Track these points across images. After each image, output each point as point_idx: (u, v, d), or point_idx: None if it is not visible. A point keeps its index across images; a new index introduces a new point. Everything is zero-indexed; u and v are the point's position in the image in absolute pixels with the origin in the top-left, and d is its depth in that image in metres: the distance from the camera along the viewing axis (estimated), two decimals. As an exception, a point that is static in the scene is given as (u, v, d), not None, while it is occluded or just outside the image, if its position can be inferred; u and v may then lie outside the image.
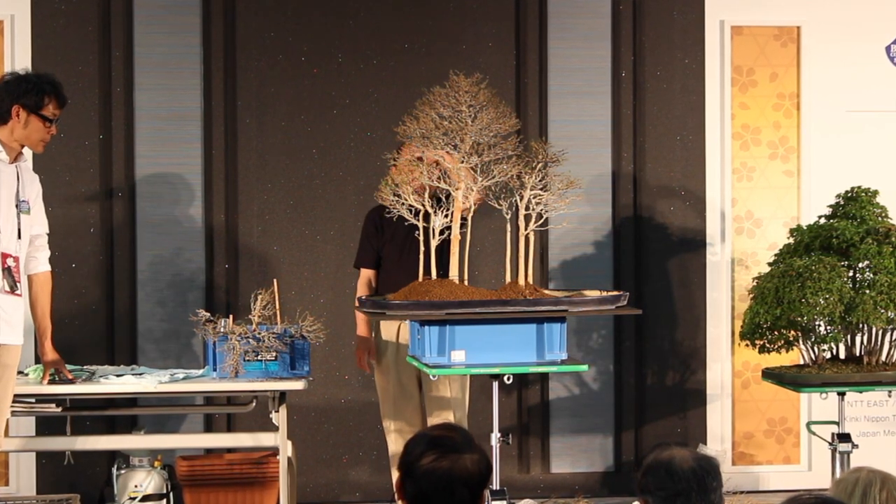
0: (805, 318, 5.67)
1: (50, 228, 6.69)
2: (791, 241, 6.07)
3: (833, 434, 5.83)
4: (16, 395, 5.30)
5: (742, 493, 6.86)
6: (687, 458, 2.95)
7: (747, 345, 5.97)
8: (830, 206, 6.05)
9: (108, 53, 6.74)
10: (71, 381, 5.47)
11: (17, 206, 5.17)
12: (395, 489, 3.13)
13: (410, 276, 5.46)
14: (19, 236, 5.17)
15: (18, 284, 5.13)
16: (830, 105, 7.15)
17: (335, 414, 6.91)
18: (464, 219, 5.43)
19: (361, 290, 6.11)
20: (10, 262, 5.08)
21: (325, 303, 6.82)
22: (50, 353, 5.42)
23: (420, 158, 5.45)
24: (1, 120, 5.16)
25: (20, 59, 6.60)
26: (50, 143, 6.62)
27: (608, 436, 7.07)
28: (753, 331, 5.85)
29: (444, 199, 5.50)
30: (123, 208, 6.75)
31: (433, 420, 6.00)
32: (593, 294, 5.43)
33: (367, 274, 6.17)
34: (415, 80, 6.64)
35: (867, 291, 5.70)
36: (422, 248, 5.38)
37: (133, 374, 5.96)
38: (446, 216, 5.31)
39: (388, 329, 6.04)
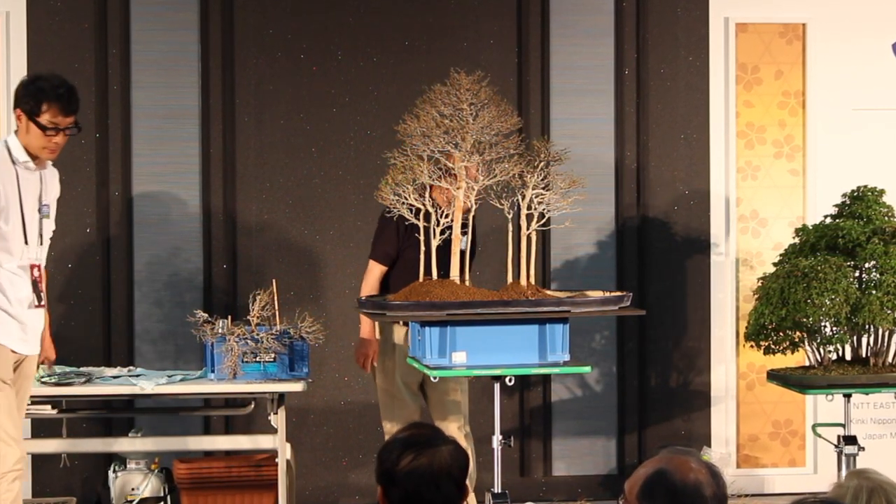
0: (810, 318, 5.64)
1: (46, 228, 6.65)
2: (796, 240, 6.05)
3: (839, 436, 5.81)
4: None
5: (747, 496, 6.83)
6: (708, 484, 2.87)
7: (752, 346, 5.94)
8: (836, 205, 6.02)
9: (104, 51, 6.68)
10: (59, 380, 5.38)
11: (39, 210, 5.06)
12: (378, 501, 3.13)
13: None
14: (41, 242, 5.07)
15: (43, 295, 5.04)
16: (836, 103, 7.10)
17: (334, 416, 6.85)
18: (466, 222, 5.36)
19: (372, 285, 5.95)
20: (35, 272, 4.99)
21: (324, 303, 6.76)
22: (49, 350, 5.32)
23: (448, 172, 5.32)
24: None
25: (16, 56, 6.56)
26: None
27: (611, 438, 7.02)
28: (758, 332, 5.82)
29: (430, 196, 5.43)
30: (120, 207, 6.70)
31: (436, 424, 5.93)
32: (596, 295, 5.38)
33: (381, 269, 5.99)
34: (415, 77, 6.59)
35: (873, 292, 5.67)
36: (422, 248, 5.33)
37: (130, 376, 5.92)
38: (446, 216, 5.25)
39: (399, 332, 5.92)
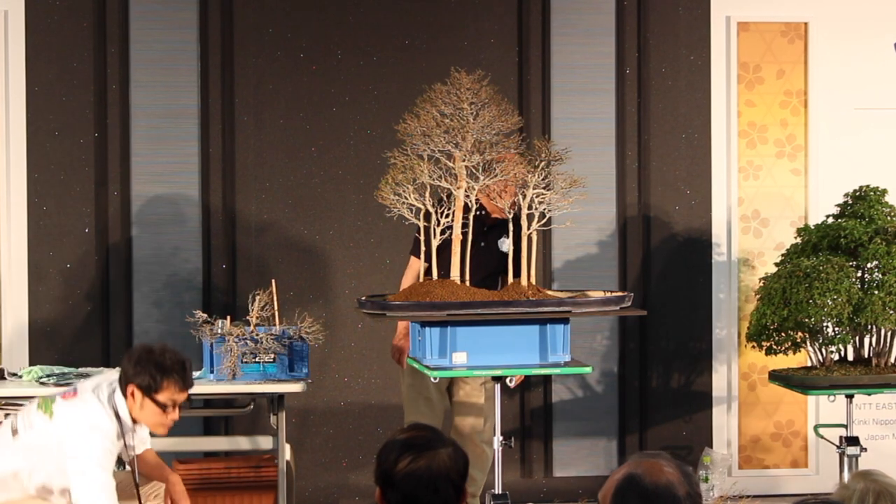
0: (812, 319, 5.62)
1: (44, 228, 6.65)
2: (798, 240, 6.03)
3: (841, 437, 5.78)
4: (7, 399, 5.23)
5: (749, 497, 6.80)
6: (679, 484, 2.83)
7: (754, 346, 5.93)
8: (838, 205, 6.01)
9: (103, 50, 6.66)
10: None
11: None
12: (376, 502, 3.12)
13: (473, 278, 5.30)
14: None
15: None
16: (838, 102, 7.07)
17: (334, 417, 6.82)
18: (467, 220, 5.32)
19: (408, 279, 5.92)
20: None
21: (324, 303, 6.74)
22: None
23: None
24: (124, 394, 4.74)
25: (14, 55, 6.53)
26: (44, 142, 6.59)
27: (612, 439, 7.00)
28: (760, 332, 5.80)
29: (445, 198, 5.41)
30: (119, 207, 6.67)
31: (455, 425, 5.90)
32: (597, 295, 5.35)
33: (419, 264, 5.89)
34: (415, 76, 6.57)
35: (876, 292, 5.66)
36: (422, 248, 5.31)
37: (128, 377, 5.88)
38: (446, 216, 5.23)
39: None
